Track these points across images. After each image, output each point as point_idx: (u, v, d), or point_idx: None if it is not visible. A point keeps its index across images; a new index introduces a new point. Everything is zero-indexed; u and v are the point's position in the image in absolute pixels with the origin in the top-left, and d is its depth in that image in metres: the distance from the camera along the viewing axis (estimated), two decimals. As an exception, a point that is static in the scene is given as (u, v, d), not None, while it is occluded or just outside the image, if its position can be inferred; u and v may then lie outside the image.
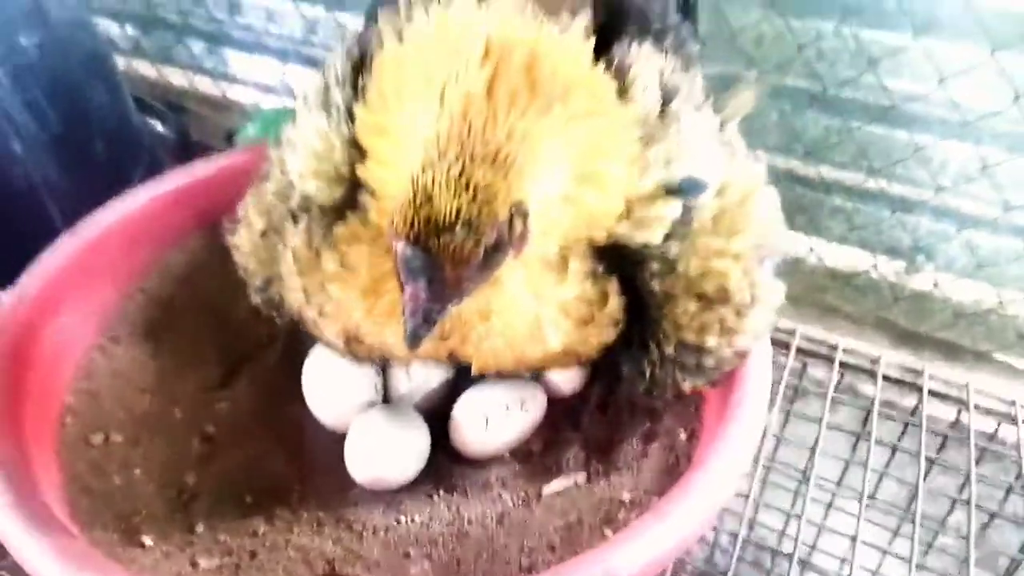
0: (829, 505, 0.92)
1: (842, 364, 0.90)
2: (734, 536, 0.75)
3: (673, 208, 0.53)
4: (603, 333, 0.57)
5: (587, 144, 0.50)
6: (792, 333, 0.92)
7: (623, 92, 0.53)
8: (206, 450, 0.64)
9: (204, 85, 1.44)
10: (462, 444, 0.63)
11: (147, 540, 0.55)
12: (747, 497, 0.79)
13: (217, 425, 0.66)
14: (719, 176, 0.56)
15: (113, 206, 0.74)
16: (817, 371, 0.92)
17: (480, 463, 0.63)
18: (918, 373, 0.91)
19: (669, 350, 0.57)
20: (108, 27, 1.46)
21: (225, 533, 0.57)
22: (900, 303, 1.08)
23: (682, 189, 0.54)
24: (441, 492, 0.61)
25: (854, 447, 0.90)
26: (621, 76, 0.53)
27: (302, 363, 0.66)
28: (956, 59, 0.90)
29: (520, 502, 0.60)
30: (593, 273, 0.54)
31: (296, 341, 0.69)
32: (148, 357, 0.70)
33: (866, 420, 0.86)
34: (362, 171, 0.52)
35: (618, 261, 0.55)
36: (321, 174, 0.55)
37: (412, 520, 0.59)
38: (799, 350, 0.91)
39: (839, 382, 0.89)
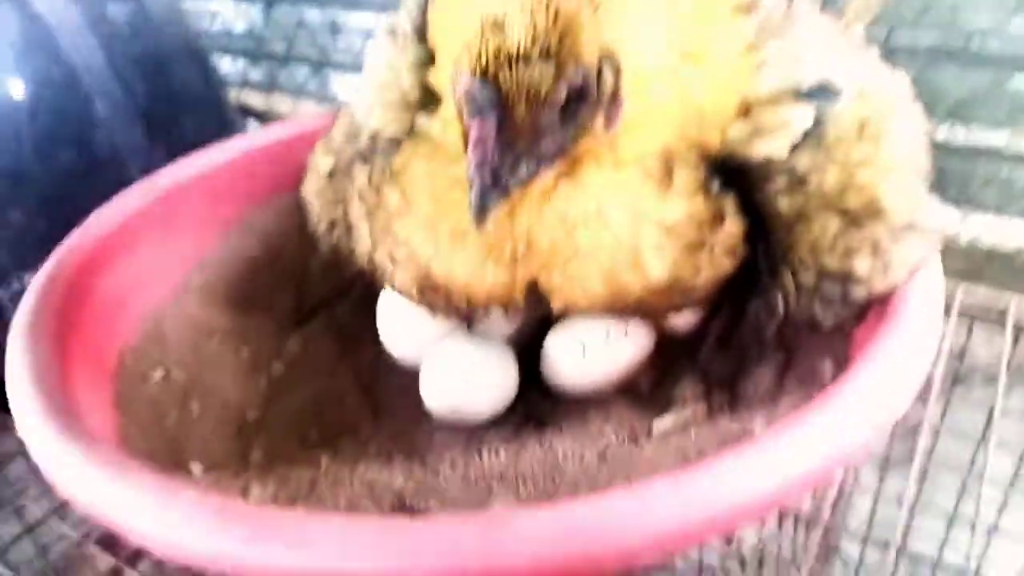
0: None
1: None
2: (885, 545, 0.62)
3: (803, 113, 0.45)
4: (718, 263, 0.47)
5: (690, 7, 0.43)
6: (951, 296, 0.77)
7: None
8: (272, 389, 0.58)
9: (308, 108, 1.46)
10: (555, 378, 0.54)
11: (195, 468, 0.49)
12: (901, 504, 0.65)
13: (286, 364, 0.60)
14: (857, 81, 0.47)
15: (198, 158, 0.71)
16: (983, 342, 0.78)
17: (578, 400, 0.54)
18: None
19: (808, 278, 0.47)
20: (218, 61, 1.52)
21: (284, 464, 0.50)
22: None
23: (813, 95, 0.46)
24: (530, 427, 0.52)
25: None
26: None
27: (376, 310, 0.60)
28: None
29: (627, 438, 0.50)
30: (705, 187, 0.46)
31: (371, 290, 0.63)
32: (221, 304, 0.65)
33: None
34: (431, 77, 0.47)
35: (735, 178, 0.46)
36: (387, 104, 0.51)
37: (496, 455, 0.50)
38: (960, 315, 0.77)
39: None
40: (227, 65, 1.53)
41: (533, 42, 0.36)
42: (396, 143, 0.50)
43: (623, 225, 0.44)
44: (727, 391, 0.52)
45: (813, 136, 0.45)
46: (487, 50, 0.36)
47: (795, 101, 0.45)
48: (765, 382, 0.52)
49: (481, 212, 0.37)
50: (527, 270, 0.46)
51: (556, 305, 0.48)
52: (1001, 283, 0.98)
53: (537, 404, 0.54)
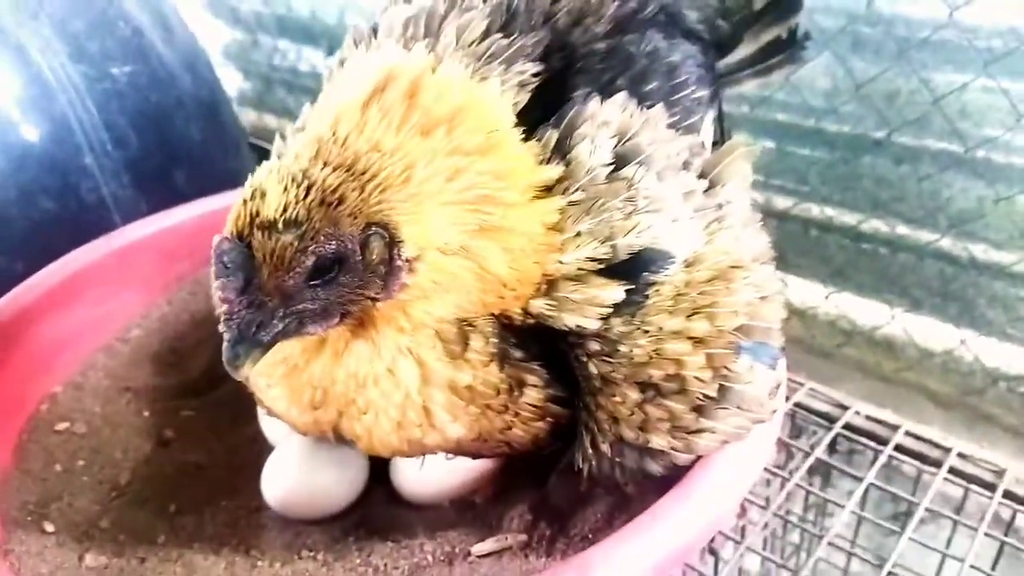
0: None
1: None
2: None
3: (612, 293, 0.45)
4: (528, 424, 0.48)
5: (481, 186, 0.44)
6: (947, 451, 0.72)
7: (565, 149, 0.47)
8: (155, 453, 0.62)
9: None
10: (398, 485, 0.56)
11: (48, 527, 0.53)
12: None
13: (176, 431, 0.64)
14: (688, 247, 0.47)
15: (161, 218, 0.77)
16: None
17: (416, 508, 0.55)
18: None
19: (604, 446, 0.47)
20: (263, 92, 1.60)
21: (128, 535, 0.53)
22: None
23: (636, 265, 0.46)
24: (359, 532, 0.53)
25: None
26: (569, 132, 0.47)
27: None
28: None
29: (442, 558, 0.51)
30: (503, 357, 0.46)
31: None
32: (147, 361, 0.70)
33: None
34: None
35: (548, 346, 0.47)
36: None
37: (315, 556, 0.52)
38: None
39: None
40: (292, 101, 1.62)
41: (284, 211, 0.38)
42: None
43: (413, 386, 0.45)
44: (557, 523, 0.52)
45: (630, 304, 0.45)
46: (246, 215, 0.39)
47: (604, 278, 0.45)
48: (594, 520, 0.51)
49: (231, 362, 0.40)
50: (328, 417, 0.48)
51: (362, 448, 0.50)
52: (1001, 406, 0.92)
53: (379, 509, 0.56)
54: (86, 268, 0.70)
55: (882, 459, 0.69)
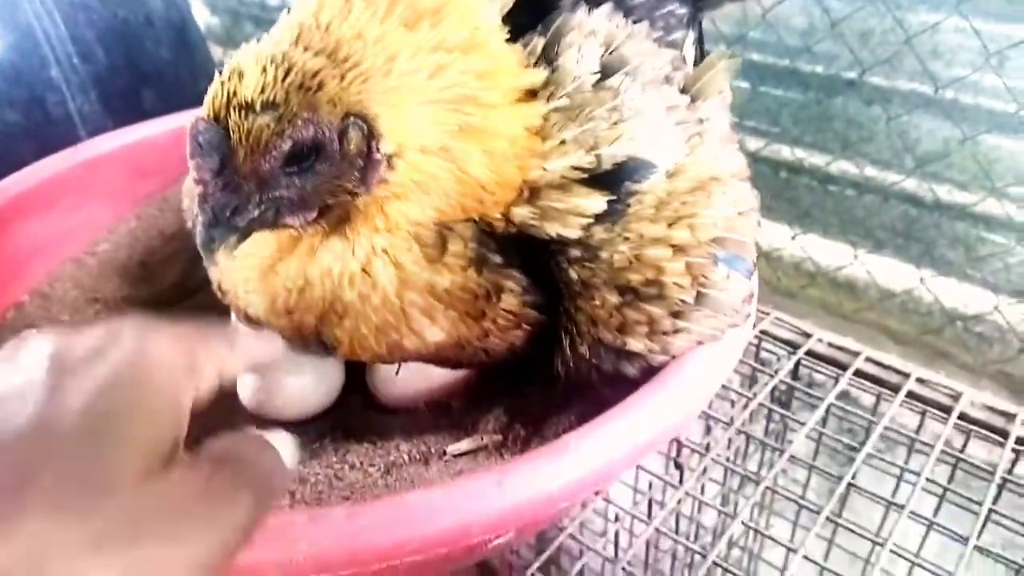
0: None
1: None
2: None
3: (594, 202, 0.46)
4: (505, 332, 0.49)
5: (463, 85, 0.44)
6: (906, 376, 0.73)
7: (552, 57, 0.47)
8: (124, 361, 0.61)
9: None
10: (374, 388, 0.56)
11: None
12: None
13: (146, 340, 0.63)
14: (671, 156, 0.48)
15: (126, 132, 0.75)
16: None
17: (391, 413, 0.55)
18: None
19: (583, 349, 0.47)
20: (231, 28, 1.57)
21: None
22: (1028, 356, 0.88)
23: (619, 175, 0.46)
24: (334, 434, 0.54)
25: None
26: (555, 40, 0.47)
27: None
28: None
29: (417, 457, 0.52)
30: (481, 262, 0.46)
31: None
32: (116, 273, 0.69)
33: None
34: None
35: (528, 253, 0.47)
36: None
37: (290, 455, 0.52)
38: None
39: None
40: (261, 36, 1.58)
41: (261, 92, 0.38)
42: None
43: (390, 288, 0.45)
44: (532, 426, 0.53)
45: (612, 213, 0.45)
46: (222, 96, 0.38)
47: (587, 187, 0.45)
48: (567, 423, 0.52)
49: (205, 245, 0.40)
50: (307, 321, 0.48)
51: (342, 355, 0.49)
52: (958, 345, 0.95)
53: (355, 412, 0.56)
54: (53, 178, 0.68)
55: (843, 383, 0.71)
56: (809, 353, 0.75)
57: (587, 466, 0.40)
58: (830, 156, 0.95)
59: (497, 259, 0.46)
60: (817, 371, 0.77)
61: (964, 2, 0.78)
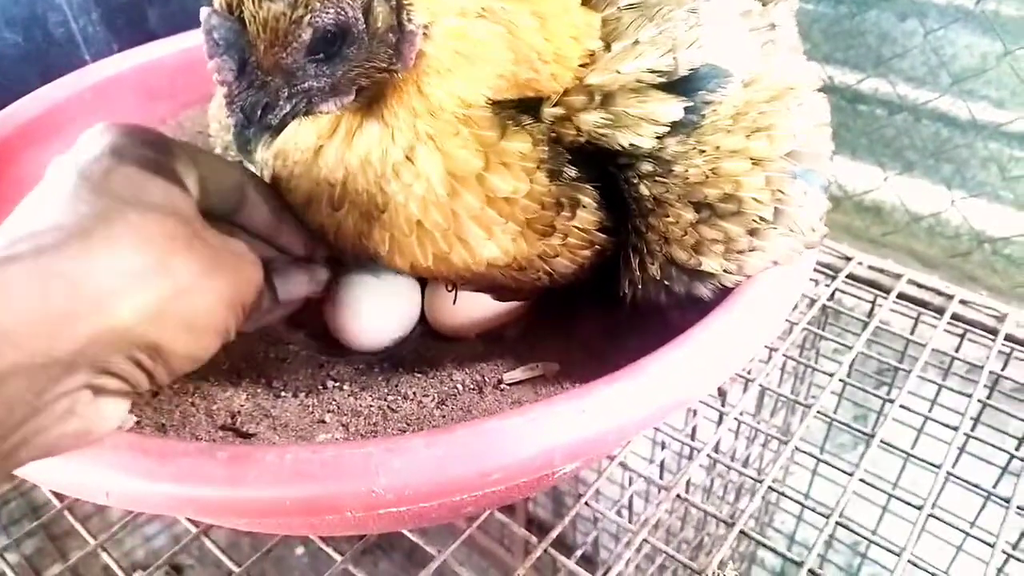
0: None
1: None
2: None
3: (670, 108, 0.42)
4: (575, 252, 0.46)
5: None
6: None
7: None
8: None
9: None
10: (432, 318, 0.54)
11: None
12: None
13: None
14: (747, 64, 0.45)
15: (135, 53, 0.71)
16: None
17: (445, 344, 0.53)
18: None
19: (654, 269, 0.45)
20: None
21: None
22: (1060, 277, 0.87)
23: (693, 81, 0.43)
24: (384, 366, 0.52)
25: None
26: None
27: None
28: None
29: (472, 386, 0.50)
30: (554, 169, 0.43)
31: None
32: (134, 203, 0.66)
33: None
34: None
35: (598, 166, 0.44)
36: None
37: (341, 387, 0.50)
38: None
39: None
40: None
41: None
42: None
43: (435, 176, 0.42)
44: (587, 356, 0.51)
45: (686, 124, 0.43)
46: None
47: (663, 93, 0.42)
48: (627, 353, 0.50)
49: (243, 147, 0.37)
50: (351, 221, 0.44)
51: (384, 263, 0.46)
52: (986, 267, 0.93)
53: (406, 345, 0.54)
54: (61, 103, 0.64)
55: (888, 305, 0.69)
56: (850, 276, 0.73)
57: (669, 392, 0.38)
58: (862, 74, 0.92)
59: (572, 171, 0.43)
60: (852, 295, 0.76)
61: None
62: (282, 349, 0.53)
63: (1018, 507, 0.53)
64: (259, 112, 0.36)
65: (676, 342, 0.40)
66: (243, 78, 0.35)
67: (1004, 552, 0.50)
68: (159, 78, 0.71)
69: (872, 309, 0.73)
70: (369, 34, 0.37)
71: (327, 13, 0.35)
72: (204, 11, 0.35)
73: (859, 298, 0.78)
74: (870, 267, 0.75)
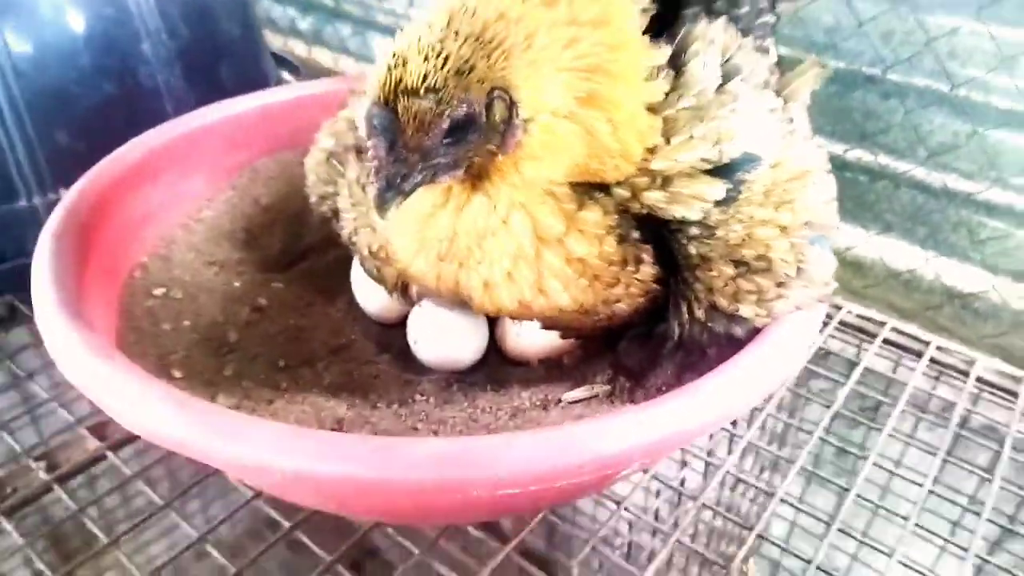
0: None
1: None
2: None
3: (715, 190, 0.53)
4: (634, 299, 0.56)
5: (594, 55, 0.49)
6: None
7: (680, 65, 0.53)
8: (254, 317, 0.67)
9: (348, 65, 1.54)
10: (501, 346, 0.64)
11: (176, 373, 0.58)
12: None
13: (269, 299, 0.69)
14: (774, 151, 0.55)
15: (220, 107, 0.80)
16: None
17: (513, 364, 0.63)
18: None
19: (700, 313, 0.55)
20: (269, 8, 1.60)
21: (250, 382, 0.59)
22: (1019, 330, 0.98)
23: (732, 166, 0.53)
24: (461, 384, 0.61)
25: None
26: (682, 48, 0.54)
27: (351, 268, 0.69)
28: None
29: (538, 403, 0.59)
30: (622, 234, 0.53)
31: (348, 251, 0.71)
32: (224, 239, 0.74)
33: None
34: None
35: (654, 230, 0.54)
36: None
37: (427, 400, 0.59)
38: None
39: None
40: (278, 12, 1.61)
41: (424, 80, 0.44)
42: None
43: (526, 239, 0.52)
44: (633, 379, 0.60)
45: (727, 199, 0.53)
46: (389, 82, 0.44)
47: (710, 176, 0.52)
48: (665, 376, 0.60)
49: (381, 205, 0.46)
50: (451, 270, 0.54)
51: (477, 307, 0.56)
52: (956, 320, 1.04)
53: (476, 366, 0.63)
54: (160, 148, 0.73)
55: (873, 349, 0.80)
56: (841, 323, 0.83)
57: (719, 406, 0.48)
58: (848, 145, 1.04)
59: (635, 234, 0.53)
60: (840, 340, 0.86)
61: (983, 8, 0.87)
62: (372, 368, 0.62)
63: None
64: (398, 180, 0.46)
65: (722, 368, 0.50)
66: (391, 155, 0.45)
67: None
68: (239, 130, 0.80)
69: (858, 352, 0.83)
70: (488, 124, 0.47)
71: (461, 108, 0.45)
72: (367, 104, 0.45)
73: (845, 342, 0.88)
74: (858, 315, 0.86)
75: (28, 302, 0.55)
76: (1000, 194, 0.95)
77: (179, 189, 0.75)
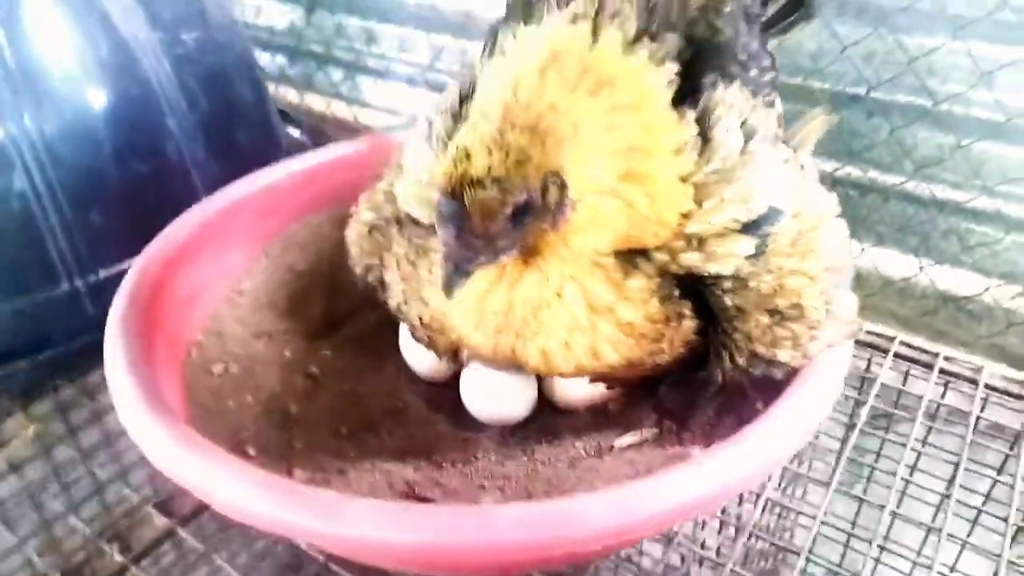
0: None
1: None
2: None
3: (745, 245, 0.57)
4: (676, 351, 0.60)
5: (631, 137, 0.54)
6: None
7: (706, 134, 0.57)
8: (309, 386, 0.70)
9: (340, 110, 1.57)
10: (549, 395, 0.68)
11: (251, 451, 0.61)
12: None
13: (320, 367, 0.72)
14: (793, 204, 0.59)
15: (249, 180, 0.83)
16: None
17: (561, 413, 0.66)
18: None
19: (741, 360, 0.59)
20: (259, 56, 1.62)
21: (320, 453, 0.62)
22: (1013, 329, 1.04)
23: (759, 222, 0.57)
24: (515, 438, 0.64)
25: None
26: (706, 117, 0.58)
27: (398, 324, 0.71)
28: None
29: (592, 451, 0.63)
30: (664, 295, 0.57)
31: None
32: (266, 309, 0.77)
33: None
34: None
35: (691, 285, 0.58)
36: (422, 200, 0.62)
37: (488, 457, 0.62)
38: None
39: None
40: (266, 59, 1.64)
41: (488, 172, 0.48)
42: (429, 227, 0.61)
43: (579, 309, 0.56)
44: (677, 422, 0.64)
45: (756, 253, 0.57)
46: (455, 175, 0.48)
47: (741, 234, 0.57)
48: (707, 418, 0.64)
49: (447, 289, 0.51)
50: (508, 341, 0.58)
51: (532, 370, 0.60)
52: (951, 323, 1.10)
53: (526, 418, 0.67)
54: (204, 224, 0.76)
55: (887, 364, 0.85)
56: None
57: (779, 449, 0.52)
58: (837, 163, 1.09)
59: (676, 292, 0.57)
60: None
61: (960, 28, 0.92)
62: (431, 429, 0.65)
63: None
64: (464, 263, 0.50)
65: (766, 416, 0.54)
66: (459, 240, 0.49)
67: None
68: (270, 199, 0.83)
69: (868, 366, 0.88)
70: (543, 207, 0.51)
71: (522, 196, 0.49)
72: (436, 196, 0.49)
73: (855, 356, 0.93)
74: (868, 332, 0.91)
75: (75, 384, 0.57)
76: (987, 202, 1.00)
77: (219, 264, 0.77)
